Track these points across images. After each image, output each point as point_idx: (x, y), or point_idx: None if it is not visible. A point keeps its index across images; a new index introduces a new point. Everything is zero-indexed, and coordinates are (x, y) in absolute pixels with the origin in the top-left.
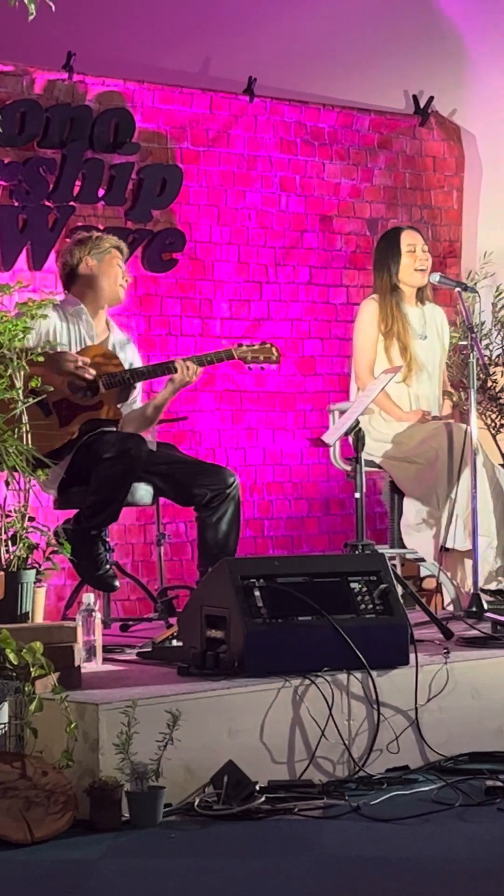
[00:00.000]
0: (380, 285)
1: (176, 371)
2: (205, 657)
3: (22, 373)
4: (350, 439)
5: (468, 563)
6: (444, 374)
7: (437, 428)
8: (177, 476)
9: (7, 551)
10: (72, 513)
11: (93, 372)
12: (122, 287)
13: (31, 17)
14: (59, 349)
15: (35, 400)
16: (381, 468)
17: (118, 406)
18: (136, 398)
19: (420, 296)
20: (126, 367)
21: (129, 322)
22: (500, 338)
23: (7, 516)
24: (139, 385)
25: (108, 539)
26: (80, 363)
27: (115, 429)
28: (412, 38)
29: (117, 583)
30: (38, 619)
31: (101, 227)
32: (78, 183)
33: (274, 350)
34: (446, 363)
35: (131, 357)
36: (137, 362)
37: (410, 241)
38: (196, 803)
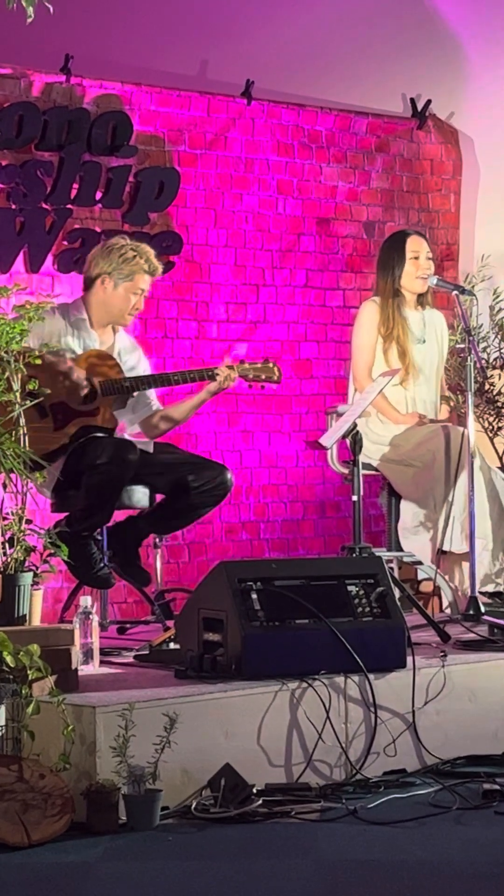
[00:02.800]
0: (382, 288)
1: (215, 378)
2: (202, 660)
3: (19, 375)
4: (347, 442)
5: (465, 565)
6: (442, 379)
7: (434, 430)
8: (173, 474)
9: (4, 554)
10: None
11: (83, 375)
12: (129, 315)
13: (29, 20)
14: (58, 352)
15: (34, 402)
16: (378, 471)
17: (114, 412)
18: (151, 401)
19: (421, 300)
20: (126, 371)
21: (125, 327)
22: (498, 341)
23: (4, 519)
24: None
25: (100, 538)
26: (68, 366)
27: (107, 435)
28: (410, 42)
29: (113, 579)
30: (36, 621)
31: (99, 230)
32: (75, 186)
33: (276, 369)
34: (444, 366)
35: (135, 362)
36: (143, 367)
37: (415, 248)
38: (193, 806)
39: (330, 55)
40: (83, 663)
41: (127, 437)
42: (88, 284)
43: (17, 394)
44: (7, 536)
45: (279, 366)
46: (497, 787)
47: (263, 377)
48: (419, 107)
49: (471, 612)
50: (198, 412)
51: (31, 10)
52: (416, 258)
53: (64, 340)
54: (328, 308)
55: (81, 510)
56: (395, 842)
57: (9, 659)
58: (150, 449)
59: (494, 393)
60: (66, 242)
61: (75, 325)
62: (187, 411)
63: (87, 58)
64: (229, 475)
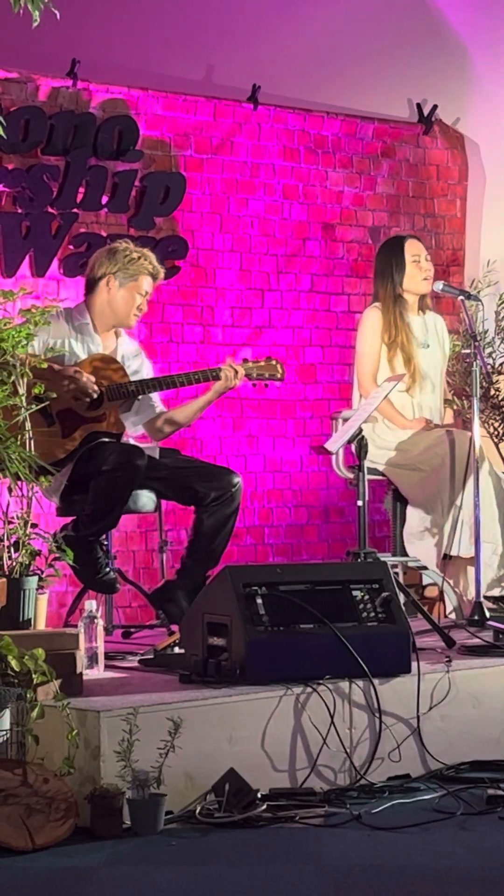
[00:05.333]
0: (383, 295)
1: (220, 377)
2: (206, 665)
3: (25, 379)
4: (353, 447)
5: (471, 570)
6: (445, 383)
7: (440, 435)
8: (179, 479)
9: (10, 558)
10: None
11: (92, 378)
12: (134, 316)
13: (35, 24)
14: (60, 356)
15: (38, 406)
16: (384, 476)
17: (120, 416)
18: (155, 404)
19: (421, 304)
20: (130, 375)
21: (129, 329)
22: None
23: (10, 523)
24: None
25: (106, 543)
26: (73, 371)
27: (115, 440)
28: (416, 47)
29: (118, 585)
30: (41, 625)
31: (105, 234)
32: (81, 190)
33: (279, 367)
34: (448, 371)
35: (139, 366)
36: (146, 371)
37: (415, 251)
38: (197, 811)
39: (336, 60)
40: (88, 667)
41: (131, 441)
42: (91, 287)
43: (23, 398)
44: (12, 540)
45: (282, 363)
46: (501, 792)
47: (267, 375)
48: (425, 112)
49: (475, 617)
50: (202, 416)
51: (36, 14)
52: (418, 261)
53: (68, 344)
54: (333, 313)
55: (89, 515)
56: (399, 847)
57: (14, 663)
58: (156, 454)
59: (500, 398)
60: (71, 247)
61: (79, 330)
62: (193, 413)
63: (93, 62)
64: (237, 479)
